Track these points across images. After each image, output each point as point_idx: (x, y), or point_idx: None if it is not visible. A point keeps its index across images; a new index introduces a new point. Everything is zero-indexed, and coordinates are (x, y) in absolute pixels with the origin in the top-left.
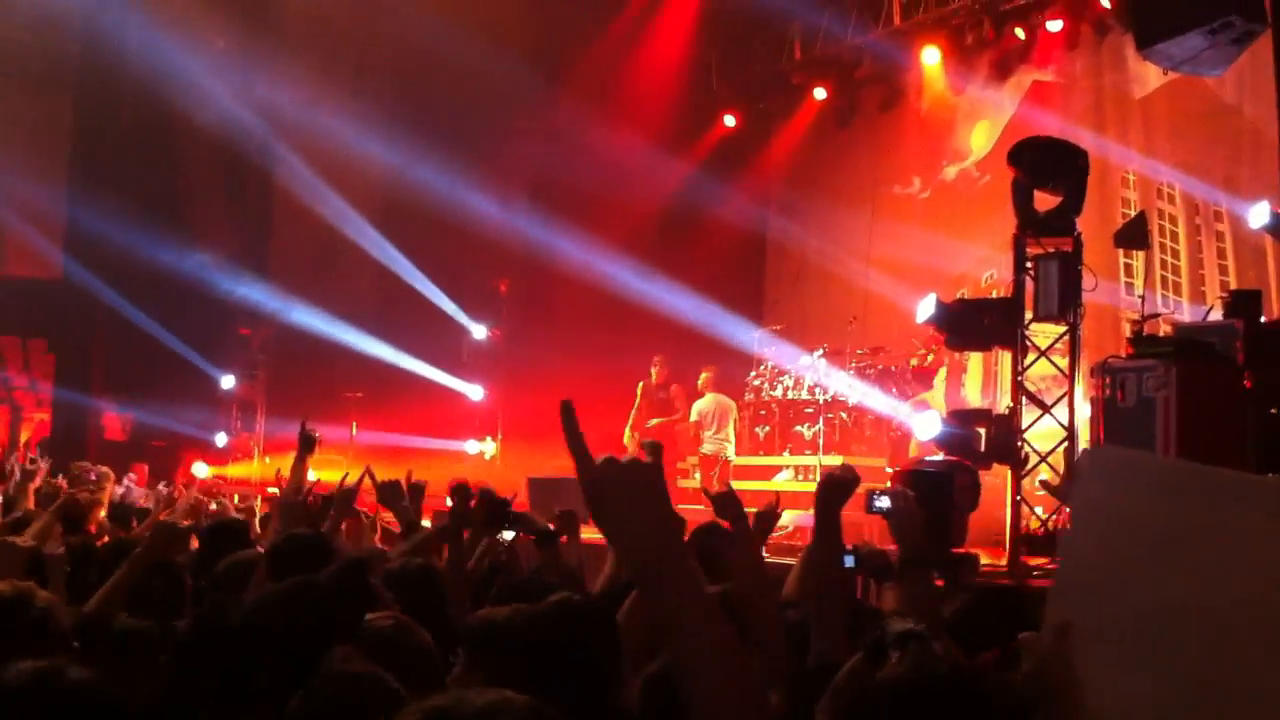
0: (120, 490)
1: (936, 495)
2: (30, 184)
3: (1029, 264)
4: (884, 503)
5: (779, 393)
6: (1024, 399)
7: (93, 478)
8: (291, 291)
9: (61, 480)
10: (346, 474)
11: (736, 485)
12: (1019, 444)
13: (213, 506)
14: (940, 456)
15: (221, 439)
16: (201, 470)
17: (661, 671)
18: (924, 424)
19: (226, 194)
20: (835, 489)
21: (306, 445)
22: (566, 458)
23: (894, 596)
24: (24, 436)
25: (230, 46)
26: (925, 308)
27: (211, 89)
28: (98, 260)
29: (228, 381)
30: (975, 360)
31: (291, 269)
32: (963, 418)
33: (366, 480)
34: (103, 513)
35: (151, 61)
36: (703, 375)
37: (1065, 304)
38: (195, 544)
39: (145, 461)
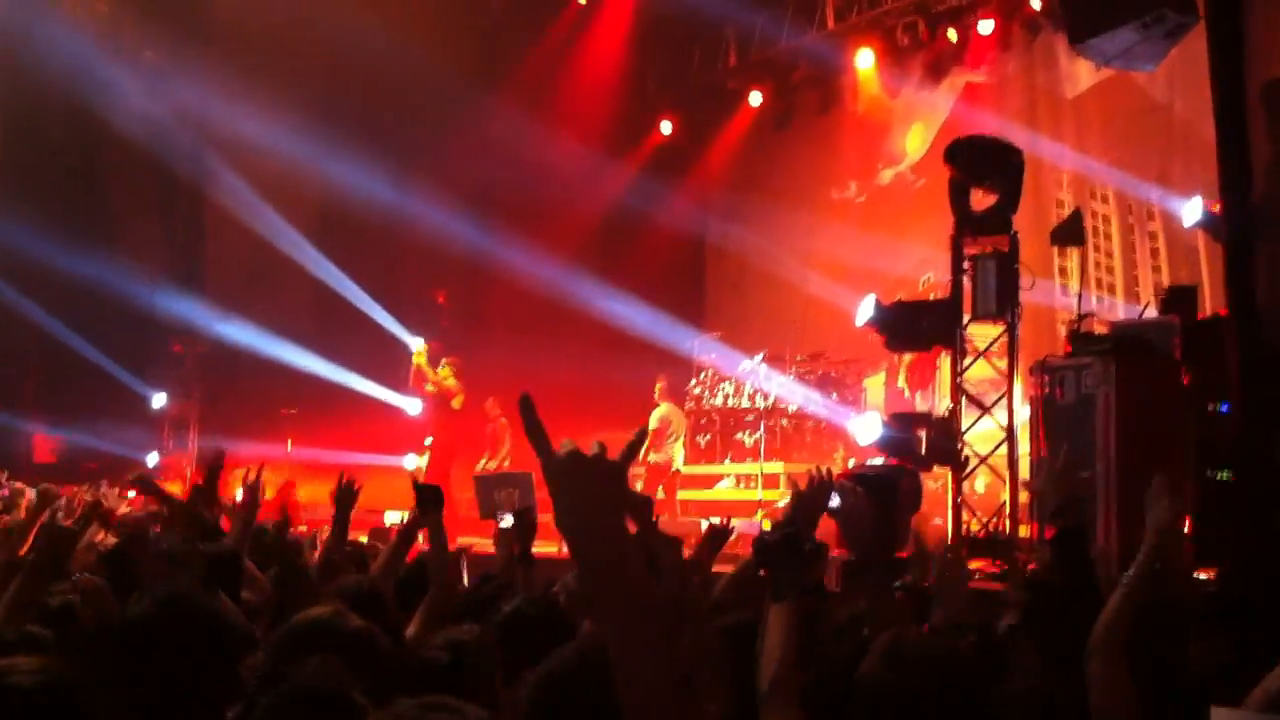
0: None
1: (880, 498)
2: None
3: (966, 263)
4: (834, 501)
5: (720, 400)
6: (963, 400)
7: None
8: (225, 307)
9: None
10: (249, 470)
11: (681, 495)
12: (959, 446)
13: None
14: (880, 460)
15: (153, 459)
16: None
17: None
18: (864, 427)
19: (158, 208)
20: (805, 505)
21: (347, 499)
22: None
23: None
24: None
25: (159, 57)
26: (864, 310)
27: (140, 100)
28: (24, 277)
29: (159, 400)
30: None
31: (225, 284)
32: (903, 421)
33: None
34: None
35: (78, 73)
36: (658, 384)
37: (1003, 303)
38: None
39: (77, 484)
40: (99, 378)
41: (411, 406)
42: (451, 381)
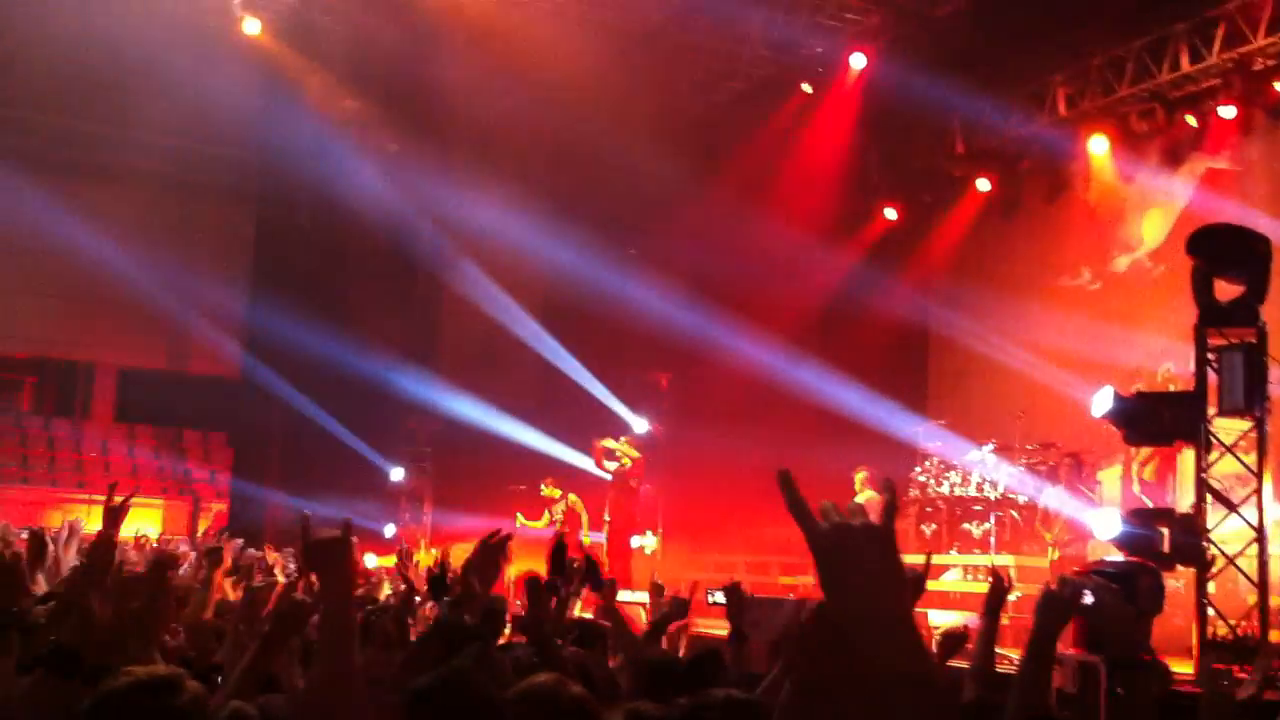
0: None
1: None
2: (213, 287)
3: (1211, 356)
4: (1087, 598)
5: (945, 489)
6: (1209, 498)
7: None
8: (457, 385)
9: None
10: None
11: None
12: (1204, 545)
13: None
14: (1119, 557)
15: (390, 530)
16: (371, 561)
17: None
18: (1103, 523)
19: (397, 292)
20: (1055, 609)
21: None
22: (728, 554)
23: None
24: (202, 526)
25: (401, 150)
26: (1102, 401)
27: (382, 191)
28: (275, 358)
29: (397, 474)
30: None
31: (458, 364)
32: (1144, 517)
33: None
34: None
35: (326, 167)
36: (860, 474)
37: (1251, 397)
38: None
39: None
40: (341, 452)
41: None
42: (627, 461)
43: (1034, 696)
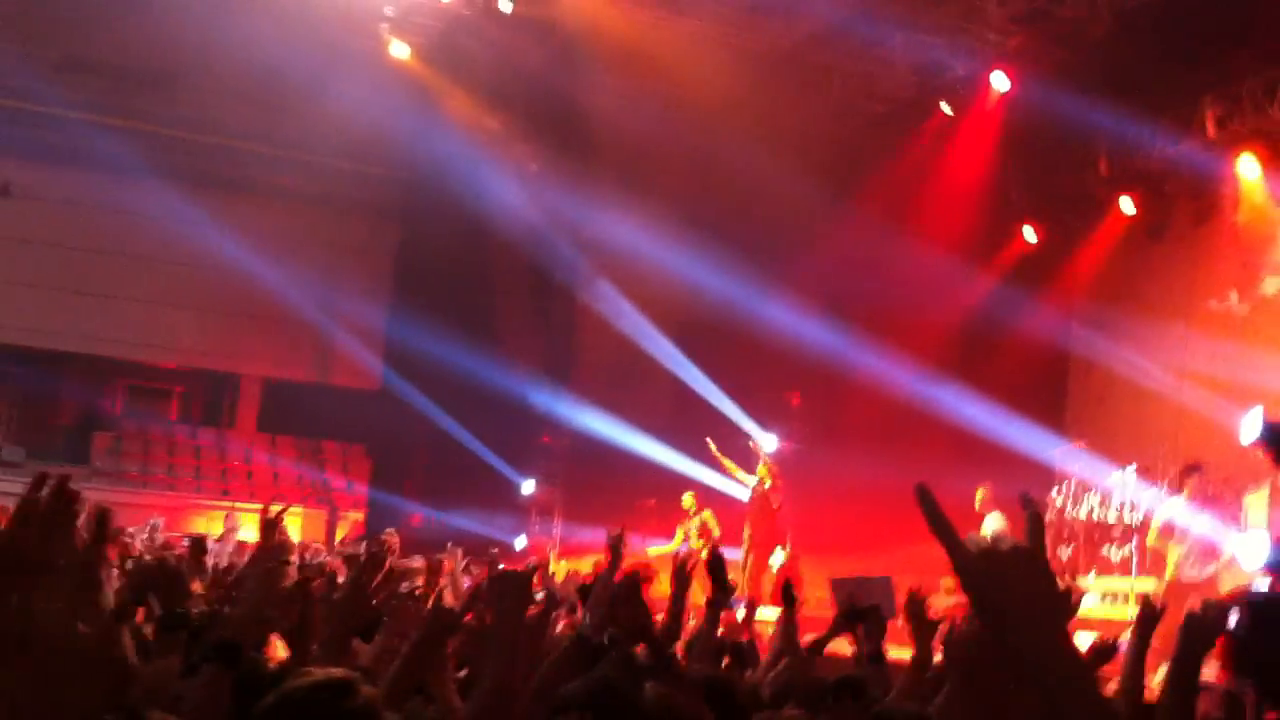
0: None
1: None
2: (355, 301)
3: None
4: (1233, 622)
5: (1082, 512)
6: None
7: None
8: (591, 401)
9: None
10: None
11: None
12: None
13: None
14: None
15: (521, 541)
16: None
17: None
18: (1252, 549)
19: (535, 309)
20: (1201, 634)
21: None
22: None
23: None
24: (339, 534)
25: (541, 168)
26: (1251, 424)
27: (523, 209)
28: (414, 371)
29: (528, 487)
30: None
31: (592, 380)
32: None
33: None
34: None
35: (469, 185)
36: (981, 491)
37: None
38: None
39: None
40: (476, 464)
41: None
42: (769, 482)
43: None
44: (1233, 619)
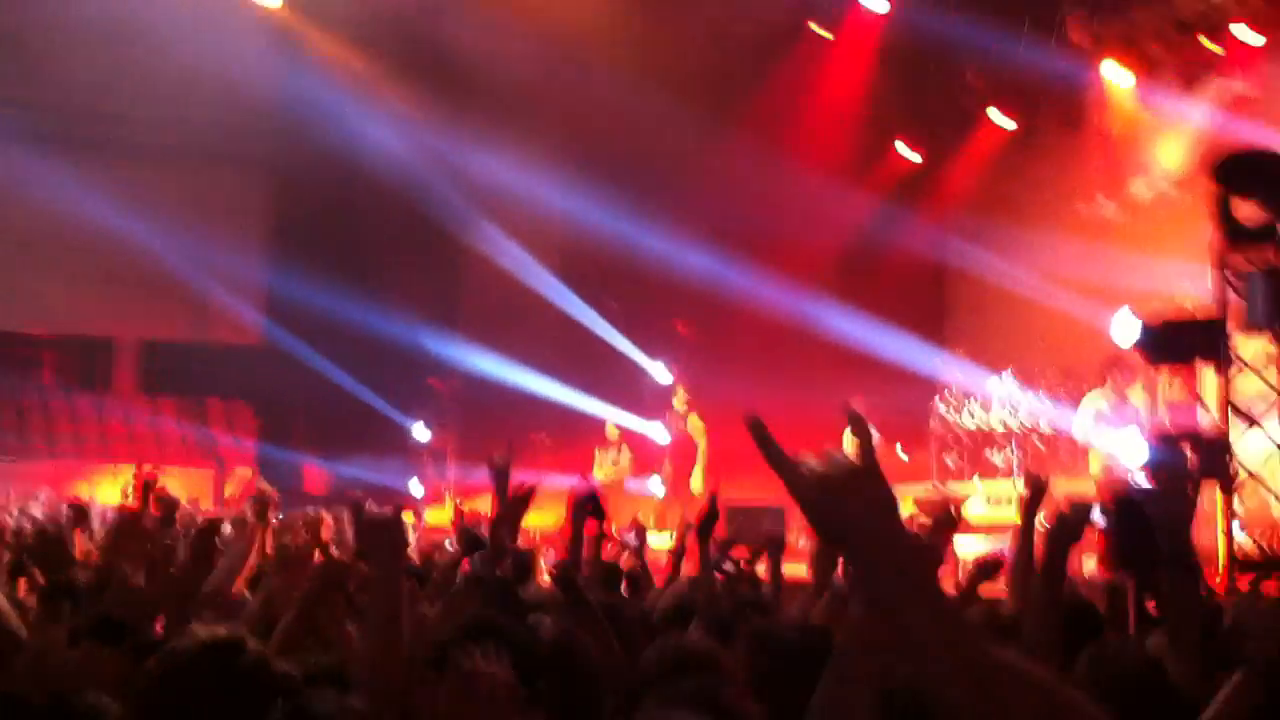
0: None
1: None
2: (231, 255)
3: (1231, 277)
4: (1099, 519)
5: (966, 419)
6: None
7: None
8: (479, 342)
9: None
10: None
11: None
12: (1229, 462)
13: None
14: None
15: (416, 487)
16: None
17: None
18: (1130, 447)
19: (416, 252)
20: (1065, 531)
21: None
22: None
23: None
24: (228, 491)
25: (413, 109)
26: (1123, 325)
27: (397, 152)
28: (296, 323)
29: (419, 431)
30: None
31: (479, 321)
32: (1170, 439)
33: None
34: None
35: (342, 131)
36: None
37: (1273, 316)
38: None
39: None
40: (364, 413)
41: (656, 432)
42: (698, 423)
43: (1049, 617)
44: (1099, 517)
